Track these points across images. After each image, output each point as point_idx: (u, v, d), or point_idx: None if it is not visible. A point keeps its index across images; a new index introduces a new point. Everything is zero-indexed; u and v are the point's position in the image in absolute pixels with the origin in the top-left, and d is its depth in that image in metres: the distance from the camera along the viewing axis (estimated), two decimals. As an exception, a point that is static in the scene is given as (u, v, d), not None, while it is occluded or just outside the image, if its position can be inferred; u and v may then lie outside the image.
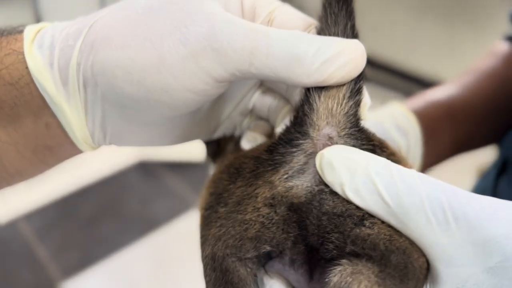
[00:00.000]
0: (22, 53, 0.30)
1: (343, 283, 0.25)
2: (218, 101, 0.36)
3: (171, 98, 0.29)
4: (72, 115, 0.31)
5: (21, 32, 0.31)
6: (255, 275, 0.30)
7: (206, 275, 0.30)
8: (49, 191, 1.91)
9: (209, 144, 0.43)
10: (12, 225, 1.79)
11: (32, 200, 1.88)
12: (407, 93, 2.17)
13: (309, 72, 0.27)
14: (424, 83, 2.26)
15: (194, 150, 1.91)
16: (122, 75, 0.28)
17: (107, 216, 1.84)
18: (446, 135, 0.58)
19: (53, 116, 0.31)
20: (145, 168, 2.08)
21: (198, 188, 1.97)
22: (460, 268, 0.25)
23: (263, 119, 0.37)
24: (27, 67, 0.30)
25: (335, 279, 0.26)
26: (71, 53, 0.29)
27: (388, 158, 0.28)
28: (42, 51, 0.30)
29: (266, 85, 0.37)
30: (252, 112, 0.38)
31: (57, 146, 0.33)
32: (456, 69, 0.88)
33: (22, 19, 2.05)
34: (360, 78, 0.29)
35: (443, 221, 0.25)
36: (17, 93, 0.30)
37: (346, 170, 0.27)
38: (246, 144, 0.35)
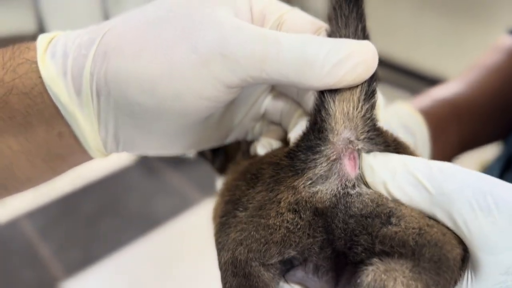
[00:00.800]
0: (35, 62, 0.30)
1: (377, 281, 0.25)
2: (229, 107, 0.36)
3: (182, 106, 0.29)
4: (85, 124, 0.31)
5: (33, 40, 0.31)
6: (277, 283, 0.30)
7: (226, 281, 0.29)
8: (50, 189, 1.91)
9: (217, 157, 0.43)
10: (14, 224, 1.78)
11: (33, 199, 1.88)
12: (411, 90, 2.16)
13: (320, 75, 0.27)
14: (428, 80, 2.24)
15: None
16: (134, 84, 0.28)
17: (109, 214, 1.83)
18: (452, 134, 0.58)
19: (66, 125, 0.31)
20: (146, 166, 2.07)
21: (200, 185, 1.96)
22: (502, 254, 0.25)
23: (275, 124, 0.37)
24: (40, 76, 0.29)
25: (368, 278, 0.25)
26: (84, 62, 0.29)
27: None
28: (55, 60, 0.30)
29: (277, 89, 0.37)
30: (263, 117, 0.38)
31: (68, 155, 0.33)
32: (461, 65, 0.88)
33: (22, 19, 2.02)
34: (373, 80, 0.29)
35: (485, 207, 0.25)
36: (30, 102, 0.30)
37: (387, 171, 0.27)
38: (261, 150, 0.35)
